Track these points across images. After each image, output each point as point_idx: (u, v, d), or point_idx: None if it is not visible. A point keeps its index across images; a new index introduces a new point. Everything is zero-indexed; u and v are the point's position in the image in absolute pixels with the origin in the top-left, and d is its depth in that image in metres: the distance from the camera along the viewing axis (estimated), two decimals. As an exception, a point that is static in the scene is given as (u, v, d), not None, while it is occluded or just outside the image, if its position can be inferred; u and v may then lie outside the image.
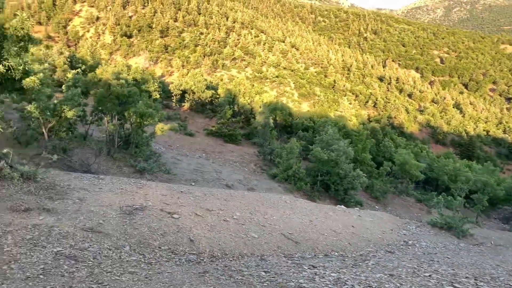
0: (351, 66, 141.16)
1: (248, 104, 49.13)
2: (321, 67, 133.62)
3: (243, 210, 14.81)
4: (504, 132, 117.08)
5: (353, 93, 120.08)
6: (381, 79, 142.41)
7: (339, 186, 29.07)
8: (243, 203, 15.76)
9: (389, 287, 8.91)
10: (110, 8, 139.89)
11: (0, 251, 7.58)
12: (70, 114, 18.29)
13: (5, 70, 9.88)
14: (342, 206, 23.69)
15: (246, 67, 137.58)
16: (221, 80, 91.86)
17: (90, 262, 7.90)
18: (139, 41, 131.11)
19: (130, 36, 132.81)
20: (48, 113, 17.95)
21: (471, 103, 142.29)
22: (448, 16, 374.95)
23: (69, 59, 43.49)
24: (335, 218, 19.45)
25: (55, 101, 18.37)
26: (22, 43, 9.78)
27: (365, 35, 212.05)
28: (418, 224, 24.99)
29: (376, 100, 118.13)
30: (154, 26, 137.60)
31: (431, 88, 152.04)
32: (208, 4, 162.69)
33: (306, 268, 10.38)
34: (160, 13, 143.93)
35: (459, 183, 36.43)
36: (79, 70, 24.87)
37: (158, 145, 31.89)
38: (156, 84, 40.27)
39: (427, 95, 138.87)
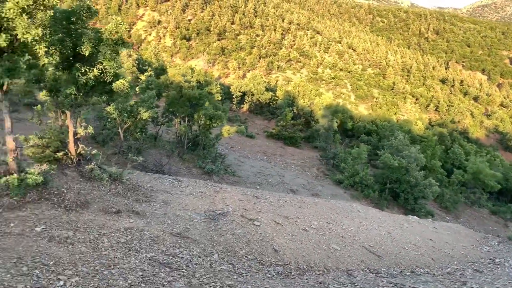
0: (411, 67, 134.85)
1: (308, 106, 48.29)
2: (379, 69, 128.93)
3: (320, 219, 14.19)
4: None
5: (413, 96, 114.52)
6: (443, 81, 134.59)
7: (409, 195, 27.42)
8: (317, 212, 15.14)
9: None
10: (170, 12, 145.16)
11: (98, 254, 7.61)
12: (145, 115, 18.72)
13: (98, 74, 10.09)
14: (415, 217, 22.30)
15: (301, 68, 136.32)
16: (276, 81, 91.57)
17: (184, 271, 7.71)
18: (198, 44, 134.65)
19: (189, 39, 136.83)
20: (125, 114, 18.48)
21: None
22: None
23: (136, 62, 45.41)
24: (412, 230, 18.29)
25: (132, 103, 18.89)
26: (115, 47, 9.93)
27: (426, 35, 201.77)
28: (500, 240, 22.92)
29: (438, 104, 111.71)
30: (212, 29, 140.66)
31: (500, 91, 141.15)
32: (265, 6, 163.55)
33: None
34: (218, 16, 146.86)
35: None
36: (151, 73, 25.60)
37: (221, 147, 32.08)
38: (218, 86, 40.78)
39: (495, 98, 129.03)
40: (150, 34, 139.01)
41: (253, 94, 51.46)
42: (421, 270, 13.39)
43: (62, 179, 10.13)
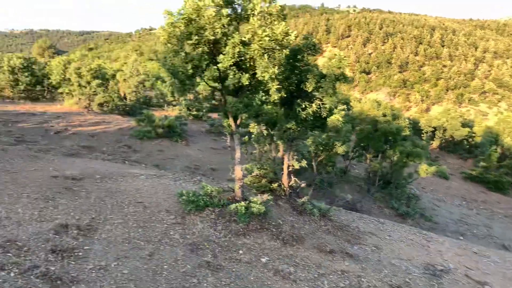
0: None
1: (518, 146, 40.27)
2: None
3: None
4: None
5: None
6: None
7: None
8: None
9: None
10: (351, 47, 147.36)
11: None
12: (340, 149, 18.39)
13: (317, 109, 10.18)
14: None
15: (499, 101, 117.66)
16: (469, 116, 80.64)
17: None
18: (377, 77, 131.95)
19: (368, 73, 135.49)
20: (321, 148, 18.56)
21: None
22: None
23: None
24: None
25: (325, 135, 18.95)
26: (336, 82, 9.87)
27: None
28: None
29: None
30: (393, 61, 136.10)
31: None
32: (454, 35, 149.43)
33: None
34: (400, 48, 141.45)
35: None
36: (344, 107, 25.61)
37: (410, 186, 29.31)
38: (406, 120, 38.08)
39: None
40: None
41: (445, 130, 46.15)
42: None
43: (276, 210, 10.43)
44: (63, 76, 28.20)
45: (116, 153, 18.61)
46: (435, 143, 47.24)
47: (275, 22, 7.92)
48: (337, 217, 11.70)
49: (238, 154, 9.59)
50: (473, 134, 46.79)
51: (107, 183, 10.29)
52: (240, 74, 8.16)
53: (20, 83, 30.64)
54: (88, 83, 26.51)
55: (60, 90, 29.27)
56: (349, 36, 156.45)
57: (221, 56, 7.92)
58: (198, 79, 8.43)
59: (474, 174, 34.98)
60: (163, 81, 31.74)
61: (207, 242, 7.99)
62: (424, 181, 32.62)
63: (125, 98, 32.14)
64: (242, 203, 9.12)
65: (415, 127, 48.37)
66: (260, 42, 7.93)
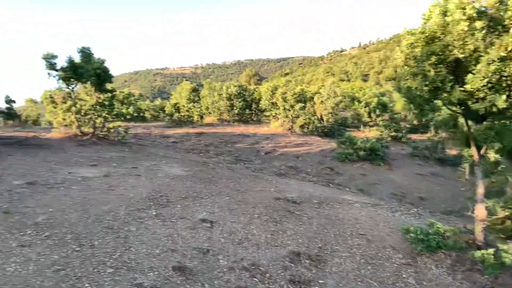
0: None
1: None
2: None
3: None
4: None
5: None
6: None
7: None
8: None
9: None
10: None
11: None
12: None
13: None
14: None
15: None
16: None
17: None
18: None
19: None
20: None
21: None
22: None
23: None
24: None
25: None
26: None
27: None
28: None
29: None
30: None
31: None
32: None
33: None
34: None
35: None
36: None
37: None
38: None
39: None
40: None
41: None
42: None
43: None
44: (271, 100, 31.09)
45: (320, 175, 18.92)
46: None
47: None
48: None
49: (481, 190, 8.02)
50: None
51: (324, 209, 10.23)
52: (494, 95, 6.78)
53: (235, 108, 35.33)
54: (292, 106, 28.32)
55: (267, 114, 32.26)
56: None
57: (469, 76, 6.75)
58: (439, 102, 7.43)
59: None
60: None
61: (448, 294, 6.81)
62: None
63: (322, 120, 33.07)
64: (489, 250, 7.51)
65: None
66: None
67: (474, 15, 6.56)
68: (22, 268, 5.43)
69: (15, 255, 5.80)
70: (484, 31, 6.58)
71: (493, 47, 6.64)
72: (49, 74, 16.83)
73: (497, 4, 6.67)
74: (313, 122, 28.11)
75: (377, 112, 33.57)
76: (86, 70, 17.00)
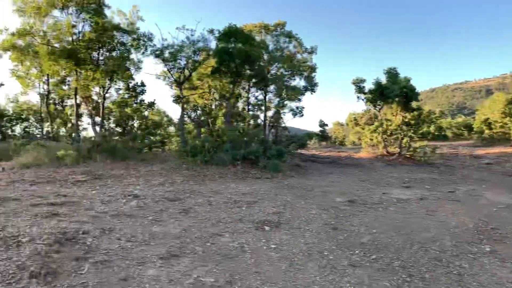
0: None
1: None
2: None
3: None
4: None
5: None
6: None
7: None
8: None
9: None
10: None
11: None
12: None
13: None
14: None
15: None
16: None
17: None
18: None
19: None
20: None
21: None
22: None
23: None
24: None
25: None
26: None
27: None
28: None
29: None
30: None
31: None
32: None
33: None
34: None
35: None
36: None
37: None
38: None
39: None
40: None
41: None
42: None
43: None
44: None
45: None
46: None
47: None
48: None
49: None
50: None
51: None
52: None
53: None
54: None
55: None
56: None
57: None
58: None
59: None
60: None
61: None
62: None
63: None
64: None
65: None
66: None
67: None
68: (357, 290, 5.35)
69: (348, 275, 5.84)
70: None
71: None
72: (358, 97, 17.88)
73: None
74: None
75: None
76: (392, 90, 17.00)
